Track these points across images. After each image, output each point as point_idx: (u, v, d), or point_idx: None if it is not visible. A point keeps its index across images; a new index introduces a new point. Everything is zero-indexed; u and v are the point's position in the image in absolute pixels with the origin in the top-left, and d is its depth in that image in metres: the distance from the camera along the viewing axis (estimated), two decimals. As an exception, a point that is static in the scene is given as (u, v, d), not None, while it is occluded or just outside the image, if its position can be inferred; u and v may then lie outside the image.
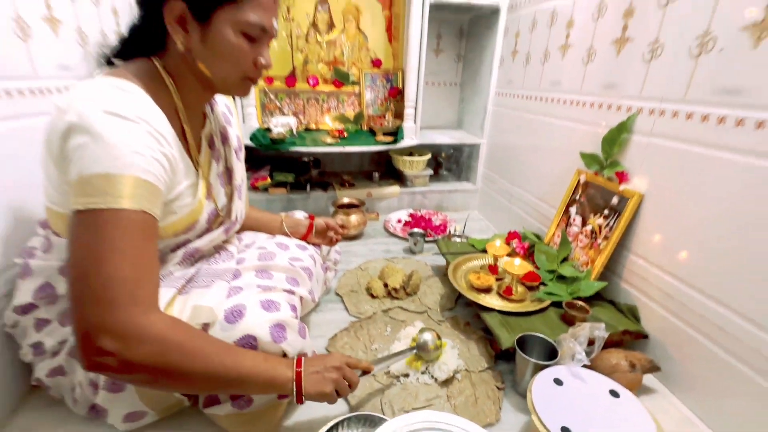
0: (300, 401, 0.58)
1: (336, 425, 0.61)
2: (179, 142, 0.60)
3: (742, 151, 0.64)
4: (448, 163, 1.91)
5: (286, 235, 0.95)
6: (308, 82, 1.71)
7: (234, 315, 0.60)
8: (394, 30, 1.71)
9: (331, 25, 1.67)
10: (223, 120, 0.77)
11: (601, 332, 0.71)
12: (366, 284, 1.10)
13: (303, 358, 0.61)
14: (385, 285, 1.07)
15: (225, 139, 0.76)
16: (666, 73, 0.78)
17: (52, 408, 0.70)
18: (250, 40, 0.58)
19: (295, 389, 0.57)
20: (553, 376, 0.68)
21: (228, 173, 0.77)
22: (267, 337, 0.60)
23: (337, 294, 1.08)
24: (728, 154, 0.66)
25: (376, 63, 1.74)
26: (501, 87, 1.51)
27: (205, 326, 0.60)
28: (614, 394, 0.65)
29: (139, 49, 0.60)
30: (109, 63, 0.62)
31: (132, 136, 0.50)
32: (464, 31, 1.79)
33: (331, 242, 1.02)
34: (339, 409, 0.71)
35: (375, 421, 0.62)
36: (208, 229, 0.73)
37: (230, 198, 0.77)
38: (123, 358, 0.47)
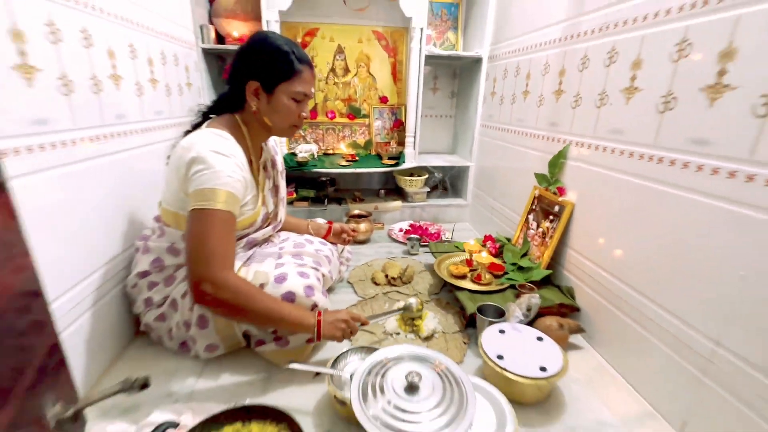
0: (318, 339, 0.88)
1: (344, 354, 0.90)
2: (248, 168, 0.94)
3: (628, 173, 0.93)
4: (444, 182, 2.23)
5: (311, 234, 1.27)
6: (327, 115, 2.07)
7: (280, 279, 0.92)
8: (398, 73, 2.08)
9: (346, 70, 2.04)
10: (273, 151, 1.11)
11: (536, 300, 1.00)
12: (371, 275, 1.41)
13: (322, 312, 0.92)
14: (386, 275, 1.38)
15: (273, 164, 1.10)
16: (584, 117, 1.09)
17: (151, 347, 1.02)
18: (296, 102, 0.92)
19: (315, 330, 0.87)
20: (498, 328, 0.96)
21: (275, 189, 1.11)
22: (301, 293, 0.91)
23: (349, 282, 1.38)
24: (621, 175, 0.96)
25: (383, 100, 2.10)
26: (484, 120, 1.84)
27: (262, 285, 0.92)
28: (540, 339, 0.93)
29: (226, 108, 0.95)
30: (205, 115, 0.98)
31: (227, 166, 0.83)
32: (457, 74, 2.15)
33: (345, 242, 1.33)
34: (346, 346, 1.00)
35: (371, 351, 0.91)
36: (262, 226, 1.05)
37: (276, 205, 1.11)
38: (214, 297, 0.79)
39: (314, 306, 0.94)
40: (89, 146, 0.89)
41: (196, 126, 0.96)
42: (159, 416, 0.75)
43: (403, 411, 0.71)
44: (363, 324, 0.96)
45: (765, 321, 0.63)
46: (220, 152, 0.83)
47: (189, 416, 0.77)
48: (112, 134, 0.98)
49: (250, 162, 0.96)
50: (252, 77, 0.89)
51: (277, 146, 1.16)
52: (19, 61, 0.70)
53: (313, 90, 0.95)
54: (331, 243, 1.29)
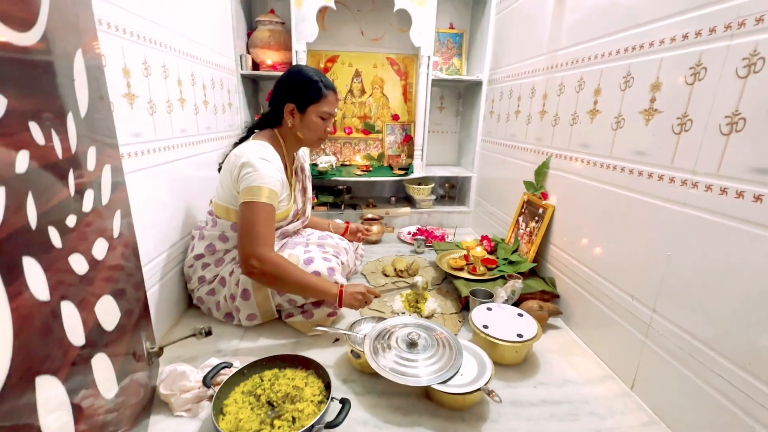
0: (340, 305, 1.09)
1: (358, 321, 1.11)
2: (284, 172, 1.17)
3: (593, 179, 1.13)
4: (450, 191, 2.44)
5: (331, 231, 1.50)
6: (345, 131, 2.33)
7: (308, 261, 1.14)
8: (408, 94, 2.33)
9: (362, 91, 2.30)
10: (302, 159, 1.35)
11: (518, 285, 1.20)
12: (381, 268, 1.62)
13: (344, 285, 1.13)
14: (395, 268, 1.59)
15: (302, 170, 1.34)
16: (561, 133, 1.30)
17: (201, 317, 1.25)
18: (323, 119, 1.16)
19: (338, 298, 1.08)
20: (486, 306, 1.16)
21: (303, 190, 1.34)
22: (325, 273, 1.13)
23: (362, 274, 1.60)
24: (588, 180, 1.16)
25: (395, 117, 2.35)
26: (484, 135, 2.06)
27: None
28: (520, 315, 1.12)
29: (267, 124, 1.20)
30: (251, 130, 1.22)
31: (269, 169, 1.06)
32: (461, 94, 2.39)
33: (359, 239, 1.55)
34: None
35: (381, 320, 1.12)
36: (292, 220, 1.29)
37: (304, 204, 1.34)
38: (260, 270, 1.01)
39: (336, 282, 1.16)
40: (164, 153, 1.14)
41: (244, 138, 1.21)
42: (216, 360, 0.97)
43: (406, 360, 0.92)
44: (376, 296, 1.16)
45: (686, 289, 0.82)
46: (264, 158, 1.07)
47: (238, 363, 0.99)
48: (178, 145, 1.24)
49: (285, 167, 1.19)
50: (289, 100, 1.14)
51: (306, 156, 1.41)
52: (126, 91, 0.96)
53: (336, 110, 1.19)
54: (348, 240, 1.51)
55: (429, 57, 1.95)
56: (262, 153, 1.08)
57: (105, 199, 0.67)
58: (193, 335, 0.90)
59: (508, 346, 1.01)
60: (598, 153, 1.10)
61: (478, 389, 0.85)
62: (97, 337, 0.56)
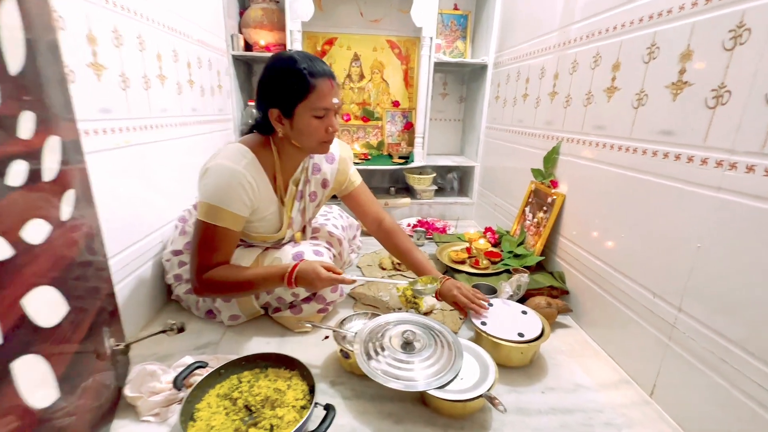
0: (289, 285, 0.91)
1: (350, 317, 1.02)
2: (269, 185, 0.98)
3: (610, 164, 1.03)
4: (452, 182, 2.34)
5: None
6: (343, 118, 2.22)
7: (297, 256, 1.04)
8: (409, 79, 2.22)
9: (361, 76, 2.20)
10: (312, 170, 1.07)
11: (524, 279, 1.10)
12: (378, 261, 1.53)
13: (301, 261, 0.94)
14: (392, 261, 1.49)
15: (307, 183, 1.07)
16: (573, 115, 1.20)
17: (182, 312, 1.16)
18: (319, 118, 0.89)
19: (288, 272, 0.91)
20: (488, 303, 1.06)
21: (303, 211, 1.10)
22: (316, 268, 1.03)
23: (358, 266, 1.50)
24: (604, 165, 1.05)
25: (396, 104, 2.24)
26: (489, 122, 1.95)
27: None
28: (524, 312, 1.02)
29: (261, 131, 0.98)
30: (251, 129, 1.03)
31: (236, 188, 0.89)
32: (465, 80, 2.28)
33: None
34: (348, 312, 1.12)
35: (374, 317, 1.03)
36: (289, 241, 1.12)
37: (303, 228, 1.15)
38: (201, 293, 0.95)
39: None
40: (139, 133, 1.04)
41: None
42: (190, 359, 0.88)
43: (400, 361, 0.83)
44: (341, 279, 0.93)
45: (715, 285, 0.72)
46: (234, 172, 0.88)
47: (214, 362, 0.90)
48: (157, 125, 1.14)
49: (274, 179, 1.00)
50: (271, 105, 0.90)
51: (332, 162, 1.11)
52: (92, 60, 0.86)
53: (335, 101, 0.90)
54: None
55: (431, 38, 1.83)
56: (233, 165, 0.89)
57: (49, 175, 0.58)
58: (164, 332, 0.81)
59: (513, 347, 0.91)
60: (616, 134, 1.00)
61: (480, 396, 0.75)
62: (24, 336, 0.47)
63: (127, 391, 0.79)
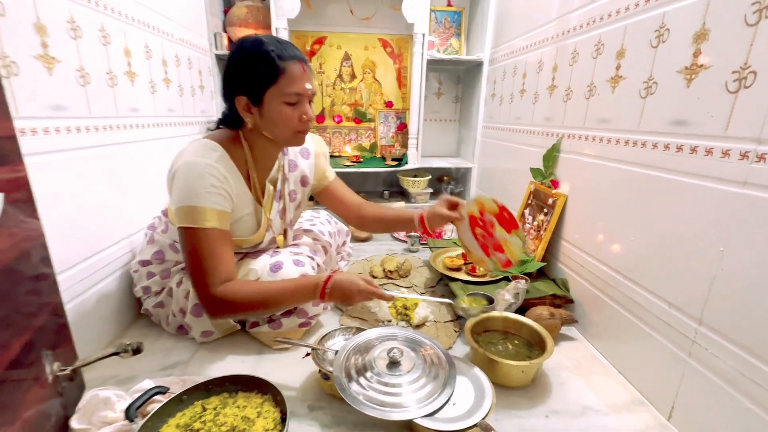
0: (322, 299, 0.82)
1: (332, 332, 0.92)
2: (244, 183, 0.88)
3: (616, 160, 0.94)
4: (448, 185, 2.25)
5: (409, 230, 1.22)
6: (334, 119, 2.14)
7: (275, 267, 0.94)
8: (402, 79, 2.14)
9: (353, 76, 2.12)
10: (288, 167, 1.00)
11: (522, 286, 1.00)
12: (369, 269, 1.43)
13: (335, 273, 0.83)
14: (384, 269, 1.40)
15: (284, 182, 1.00)
16: (575, 109, 1.11)
17: (152, 327, 1.07)
18: (291, 104, 0.81)
19: (321, 287, 0.82)
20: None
21: (283, 211, 1.02)
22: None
23: (347, 275, 1.41)
24: (610, 162, 0.96)
25: (389, 104, 2.16)
26: (486, 121, 1.87)
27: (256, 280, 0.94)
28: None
29: (229, 125, 0.89)
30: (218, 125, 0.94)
31: (206, 180, 0.78)
32: (460, 78, 2.20)
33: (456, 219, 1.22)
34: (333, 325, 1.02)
35: (359, 332, 0.93)
36: (268, 246, 1.03)
37: (285, 230, 1.05)
38: (221, 312, 0.82)
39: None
40: (102, 134, 0.96)
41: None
42: (150, 383, 0.79)
43: (385, 384, 0.73)
44: (386, 299, 0.87)
45: (742, 294, 0.63)
46: (203, 166, 0.79)
47: (179, 386, 0.81)
48: (125, 125, 1.06)
49: (247, 177, 0.91)
50: (238, 92, 0.81)
51: (307, 158, 1.05)
52: (41, 52, 0.78)
53: (308, 86, 0.82)
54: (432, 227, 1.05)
55: (423, 35, 1.76)
56: (201, 159, 0.80)
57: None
58: (117, 353, 0.72)
59: (512, 366, 0.81)
60: (622, 128, 0.91)
61: (475, 425, 0.66)
62: None
63: (74, 423, 0.69)
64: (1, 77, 0.61)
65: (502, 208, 0.95)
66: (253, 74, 0.79)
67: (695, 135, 0.72)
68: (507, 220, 0.96)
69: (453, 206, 1.00)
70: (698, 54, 0.71)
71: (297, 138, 0.87)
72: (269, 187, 0.96)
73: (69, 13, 0.85)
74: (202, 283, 0.80)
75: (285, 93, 0.80)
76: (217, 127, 0.93)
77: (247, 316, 0.87)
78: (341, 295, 0.82)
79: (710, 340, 0.68)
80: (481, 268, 1.24)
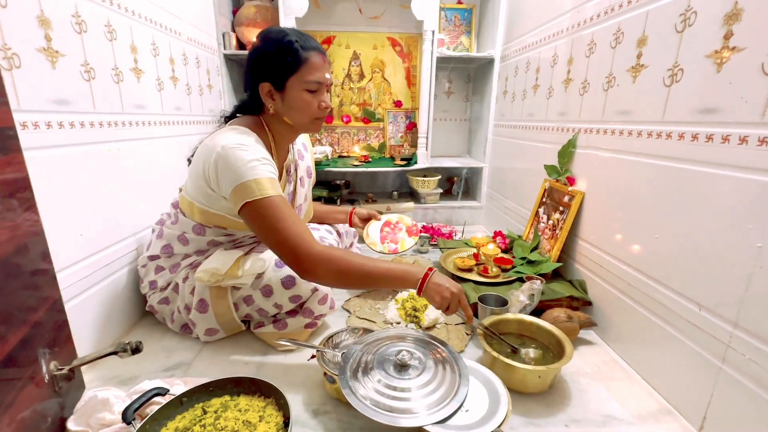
0: (419, 293, 0.80)
1: (338, 333, 0.89)
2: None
3: (638, 153, 0.89)
4: (459, 185, 2.20)
5: (339, 221, 1.28)
6: (342, 119, 2.12)
7: (281, 263, 0.92)
8: (412, 78, 2.11)
9: (361, 76, 2.10)
10: (297, 156, 1.06)
11: (537, 286, 0.96)
12: (377, 270, 1.39)
13: (432, 270, 0.81)
14: (392, 270, 1.36)
15: (296, 169, 1.05)
16: (592, 102, 1.06)
17: (156, 327, 1.05)
18: (312, 92, 0.86)
19: (419, 283, 0.79)
20: (500, 316, 0.92)
21: (293, 194, 1.05)
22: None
23: (354, 276, 1.37)
24: (631, 156, 0.91)
25: (398, 104, 2.13)
26: (497, 119, 1.82)
27: (260, 274, 0.92)
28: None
29: (249, 111, 0.93)
30: (228, 119, 0.96)
31: (254, 155, 0.80)
32: (471, 77, 2.16)
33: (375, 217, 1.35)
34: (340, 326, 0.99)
35: (367, 332, 0.89)
36: None
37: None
38: (317, 274, 0.79)
39: (315, 289, 0.94)
40: (107, 130, 0.95)
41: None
42: (149, 384, 0.76)
43: (393, 389, 0.69)
44: (466, 315, 0.83)
45: (786, 295, 0.57)
46: (243, 143, 0.81)
47: (180, 387, 0.78)
48: (131, 122, 1.05)
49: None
50: (262, 79, 0.86)
51: (307, 148, 1.13)
52: (44, 45, 0.77)
53: (328, 75, 0.88)
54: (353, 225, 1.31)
55: (433, 32, 1.72)
56: (240, 140, 0.82)
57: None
58: (115, 353, 0.69)
59: (529, 371, 0.77)
60: (645, 119, 0.86)
61: (490, 434, 0.61)
62: None
63: (71, 424, 0.67)
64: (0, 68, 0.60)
65: (414, 226, 1.43)
66: (278, 62, 0.83)
67: (727, 123, 0.67)
68: (411, 230, 1.42)
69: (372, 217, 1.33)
70: (730, 36, 0.66)
71: (315, 124, 0.92)
72: (284, 171, 1.01)
73: (74, 8, 0.85)
74: (299, 243, 0.78)
75: (306, 81, 0.85)
76: (233, 116, 0.96)
77: (343, 283, 0.83)
78: (437, 294, 0.79)
79: (747, 345, 0.62)
80: (494, 268, 1.19)
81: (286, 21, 1.69)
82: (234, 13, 1.82)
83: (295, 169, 1.05)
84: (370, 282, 0.83)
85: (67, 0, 0.83)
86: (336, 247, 0.82)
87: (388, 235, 1.40)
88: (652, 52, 0.84)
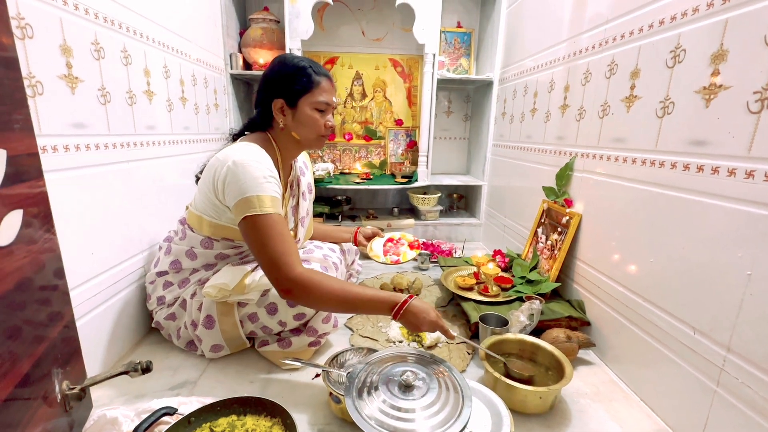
0: (395, 318, 0.83)
1: (343, 353, 0.90)
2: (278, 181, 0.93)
3: (632, 179, 0.93)
4: (458, 202, 2.24)
5: (344, 240, 1.32)
6: (344, 137, 2.17)
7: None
8: (413, 97, 2.17)
9: (363, 95, 2.15)
10: (299, 172, 1.11)
11: (536, 306, 0.98)
12: (379, 287, 1.41)
13: (412, 297, 0.85)
14: (394, 287, 1.38)
15: (298, 183, 1.10)
16: (587, 129, 1.10)
17: (161, 344, 1.06)
18: (320, 112, 0.94)
19: (395, 309, 0.82)
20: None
21: (296, 208, 1.10)
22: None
23: (356, 293, 1.39)
24: (625, 182, 0.95)
25: (399, 122, 2.18)
26: (496, 140, 1.87)
27: (266, 291, 0.94)
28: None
29: (258, 128, 0.98)
30: (236, 137, 1.01)
31: (261, 172, 0.84)
32: (470, 97, 2.22)
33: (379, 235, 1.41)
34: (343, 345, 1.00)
35: (371, 352, 0.91)
36: None
37: (296, 225, 1.09)
38: (293, 294, 0.82)
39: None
40: (120, 151, 0.98)
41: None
42: (158, 404, 0.77)
43: (398, 409, 0.71)
44: (448, 337, 0.86)
45: (775, 322, 0.60)
46: (253, 160, 0.85)
47: (187, 406, 0.79)
48: (143, 143, 1.08)
49: (279, 176, 0.94)
50: (276, 96, 0.93)
51: (308, 166, 1.19)
52: (65, 72, 0.81)
53: (335, 99, 0.97)
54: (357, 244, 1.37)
55: (434, 55, 1.78)
56: (249, 154, 0.86)
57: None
58: (126, 372, 0.71)
59: (530, 392, 0.78)
60: (639, 147, 0.90)
61: (493, 455, 0.63)
62: None
63: (80, 444, 0.68)
64: (26, 96, 0.63)
65: (416, 241, 1.53)
66: (293, 83, 0.92)
67: (716, 155, 0.70)
68: (413, 245, 1.51)
69: (376, 234, 1.42)
70: (717, 74, 0.71)
71: (319, 141, 0.99)
72: (288, 186, 1.05)
73: (93, 35, 0.88)
74: (283, 263, 0.81)
75: (316, 101, 0.93)
76: (242, 133, 1.01)
77: (320, 306, 0.88)
78: (415, 318, 0.83)
79: (740, 369, 0.65)
80: (494, 288, 1.21)
81: (292, 43, 1.74)
82: (241, 34, 1.88)
83: (298, 184, 1.11)
84: (349, 307, 0.86)
85: (88, 28, 0.87)
86: (318, 271, 0.85)
87: (390, 249, 1.49)
88: (644, 85, 0.89)
